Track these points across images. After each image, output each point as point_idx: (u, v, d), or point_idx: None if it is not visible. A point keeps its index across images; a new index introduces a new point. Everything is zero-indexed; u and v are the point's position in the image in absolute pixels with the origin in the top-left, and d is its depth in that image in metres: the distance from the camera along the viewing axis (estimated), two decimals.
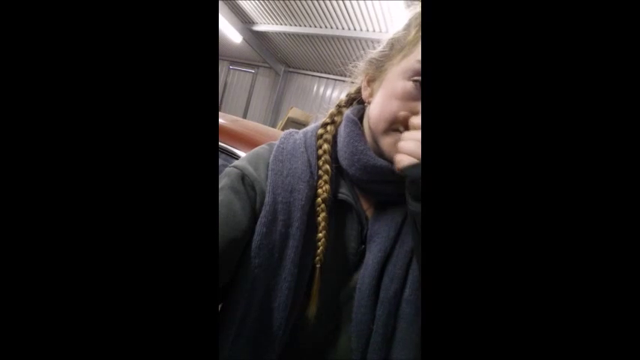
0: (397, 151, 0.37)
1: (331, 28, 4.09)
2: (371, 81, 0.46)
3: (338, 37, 4.17)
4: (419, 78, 0.38)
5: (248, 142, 1.09)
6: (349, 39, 4.08)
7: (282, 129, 2.91)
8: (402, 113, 0.39)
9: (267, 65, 6.14)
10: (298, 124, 3.48)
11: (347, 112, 0.47)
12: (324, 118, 0.49)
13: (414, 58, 0.39)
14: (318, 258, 0.42)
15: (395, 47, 0.42)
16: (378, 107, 0.42)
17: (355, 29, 3.89)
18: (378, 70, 0.44)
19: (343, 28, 4.00)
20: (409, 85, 0.38)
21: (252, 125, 1.30)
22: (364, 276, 0.42)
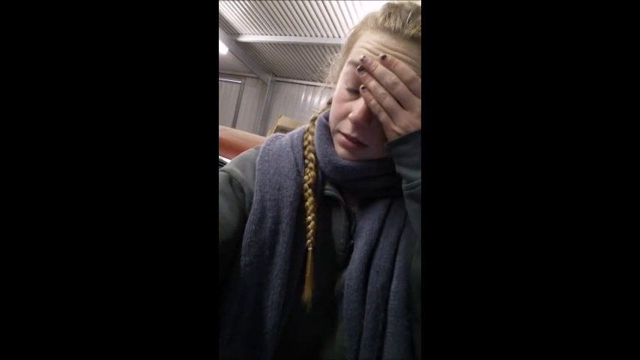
0: (340, 151, 0.43)
1: (316, 36, 4.14)
2: (335, 82, 0.49)
3: (323, 45, 4.23)
4: (348, 84, 0.41)
5: (238, 151, 1.09)
6: (334, 46, 4.13)
7: None
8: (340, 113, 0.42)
9: (254, 75, 6.16)
10: (287, 131, 3.49)
11: (319, 115, 0.49)
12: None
13: (347, 59, 0.42)
14: (309, 241, 0.42)
15: (344, 48, 0.45)
16: (331, 109, 0.44)
17: (340, 37, 3.95)
18: (337, 73, 0.47)
19: (328, 36, 4.06)
20: (344, 89, 0.41)
21: (241, 134, 1.30)
22: (351, 271, 0.42)
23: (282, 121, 3.46)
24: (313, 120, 0.50)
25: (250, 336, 0.40)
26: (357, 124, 0.40)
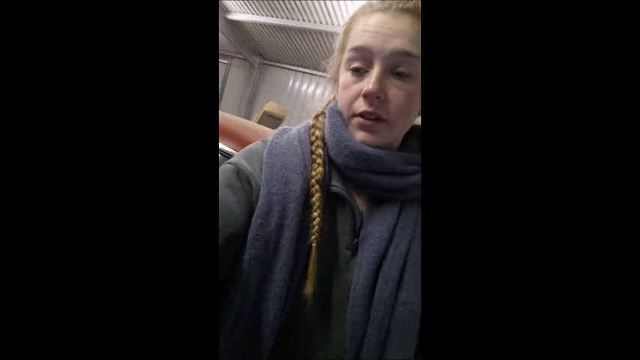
0: (359, 135, 0.44)
1: (309, 21, 4.04)
2: (335, 80, 0.51)
3: (316, 31, 4.13)
4: (352, 64, 0.43)
5: (227, 135, 1.03)
6: (328, 34, 4.04)
7: (258, 122, 2.84)
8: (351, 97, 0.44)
9: (241, 56, 5.98)
10: (274, 118, 3.41)
11: (330, 104, 0.50)
12: (314, 114, 0.53)
13: (346, 49, 0.44)
14: (313, 237, 0.42)
15: (339, 47, 0.48)
16: (339, 100, 0.47)
17: (334, 24, 3.86)
18: (336, 72, 0.50)
19: (321, 23, 3.96)
20: (348, 74, 0.44)
21: (233, 119, 1.24)
22: (358, 276, 0.43)
23: (270, 106, 3.36)
24: (317, 116, 0.51)
25: (251, 327, 0.40)
26: (372, 95, 0.41)
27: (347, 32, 0.46)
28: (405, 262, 0.44)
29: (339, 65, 0.48)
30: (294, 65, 5.77)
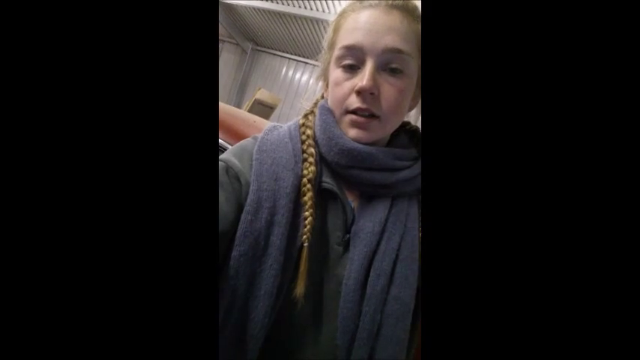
0: (352, 133, 0.44)
1: (305, 8, 3.91)
2: (325, 77, 0.51)
3: (312, 19, 4.01)
4: (344, 62, 0.43)
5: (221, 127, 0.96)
6: (324, 22, 3.93)
7: (249, 111, 2.75)
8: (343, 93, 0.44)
9: (233, 41, 5.80)
10: (266, 106, 3.32)
11: (321, 102, 0.50)
12: (305, 110, 0.53)
13: (337, 47, 0.44)
14: (305, 237, 0.41)
15: (328, 44, 0.48)
16: (329, 98, 0.47)
17: (330, 12, 3.75)
18: (325, 69, 0.50)
19: (318, 10, 3.84)
20: (339, 71, 0.44)
21: (222, 107, 1.17)
22: (350, 271, 0.43)
23: (261, 94, 3.26)
24: (306, 115, 0.51)
25: (241, 324, 0.40)
26: (366, 92, 0.41)
27: (336, 29, 0.46)
28: (396, 256, 0.43)
29: (328, 63, 0.48)
30: (288, 53, 5.62)
